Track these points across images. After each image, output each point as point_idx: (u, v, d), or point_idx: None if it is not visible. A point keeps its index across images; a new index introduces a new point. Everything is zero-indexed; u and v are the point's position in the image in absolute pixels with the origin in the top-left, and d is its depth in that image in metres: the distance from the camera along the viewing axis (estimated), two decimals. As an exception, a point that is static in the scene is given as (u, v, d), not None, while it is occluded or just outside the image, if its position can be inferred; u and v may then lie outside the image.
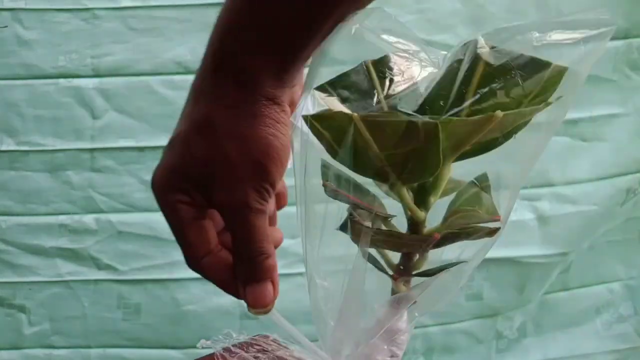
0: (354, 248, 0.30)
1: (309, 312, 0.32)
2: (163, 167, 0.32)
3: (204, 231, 0.33)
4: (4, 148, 0.75)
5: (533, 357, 0.79)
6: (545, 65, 0.25)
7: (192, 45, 0.74)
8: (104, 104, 0.75)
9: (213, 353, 0.31)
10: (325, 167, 0.28)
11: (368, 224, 0.28)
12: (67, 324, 0.76)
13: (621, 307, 0.80)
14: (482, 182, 0.29)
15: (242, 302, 0.32)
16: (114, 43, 0.74)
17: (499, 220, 0.28)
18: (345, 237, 0.30)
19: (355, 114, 0.25)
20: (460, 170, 0.28)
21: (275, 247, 0.34)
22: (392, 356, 0.30)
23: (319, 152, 0.28)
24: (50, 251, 0.76)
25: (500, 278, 0.75)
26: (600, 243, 0.79)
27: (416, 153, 0.26)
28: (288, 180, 0.33)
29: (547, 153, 0.79)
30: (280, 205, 0.36)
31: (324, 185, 0.28)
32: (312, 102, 0.27)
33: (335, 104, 0.27)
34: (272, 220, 0.35)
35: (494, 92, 0.25)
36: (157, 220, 0.75)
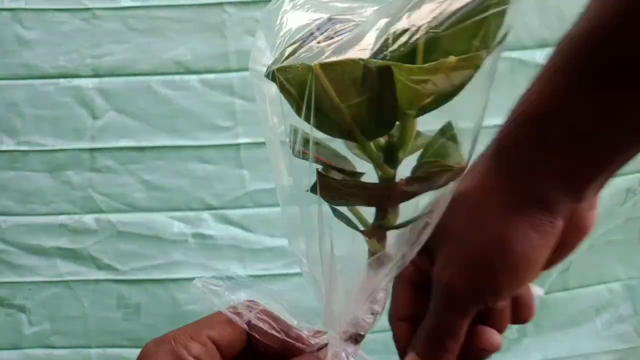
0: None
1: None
2: None
3: (409, 296, 0.32)
4: (3, 148, 0.75)
5: (533, 357, 0.79)
6: (485, 6, 0.24)
7: (192, 45, 0.74)
8: (104, 104, 0.75)
9: (218, 312, 0.31)
10: (294, 132, 0.28)
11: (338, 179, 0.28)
12: (67, 324, 0.76)
13: (621, 307, 0.80)
14: (447, 132, 0.29)
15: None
16: (114, 43, 0.74)
17: (464, 168, 0.27)
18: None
19: (315, 63, 0.25)
20: (428, 127, 0.29)
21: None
22: (372, 313, 0.31)
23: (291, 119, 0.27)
24: (50, 251, 0.76)
25: (500, 278, 0.75)
26: (600, 243, 0.78)
27: (375, 102, 0.25)
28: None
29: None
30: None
31: (291, 147, 0.28)
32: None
33: None
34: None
35: (441, 42, 0.25)
36: (157, 220, 0.75)
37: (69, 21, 0.74)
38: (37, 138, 0.75)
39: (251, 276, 0.78)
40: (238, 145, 0.75)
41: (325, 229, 0.28)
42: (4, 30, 0.74)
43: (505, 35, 0.25)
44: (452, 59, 0.24)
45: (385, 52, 0.25)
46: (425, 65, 0.24)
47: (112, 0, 0.74)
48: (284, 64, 0.26)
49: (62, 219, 0.76)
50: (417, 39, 0.24)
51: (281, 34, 0.28)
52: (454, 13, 0.24)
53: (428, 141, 0.29)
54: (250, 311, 0.30)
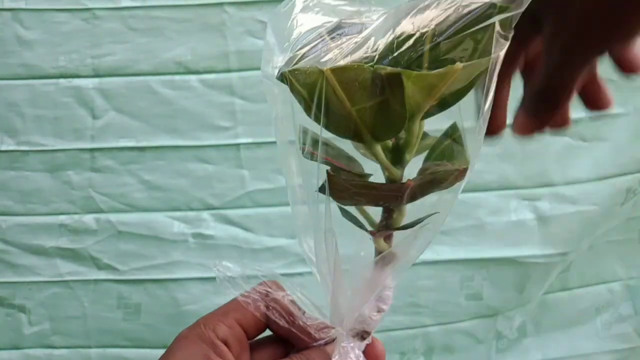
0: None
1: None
2: None
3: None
4: (4, 148, 0.75)
5: (533, 357, 0.79)
6: (488, 14, 0.25)
7: (192, 45, 0.74)
8: (104, 104, 0.75)
9: (235, 299, 0.33)
10: (304, 132, 0.29)
11: (347, 179, 0.29)
12: (67, 324, 0.77)
13: (621, 307, 0.80)
14: (453, 133, 0.29)
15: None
16: (114, 43, 0.74)
17: (466, 169, 0.28)
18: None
19: (326, 68, 0.26)
20: (435, 127, 0.30)
21: None
22: (378, 311, 0.32)
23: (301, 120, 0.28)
24: (50, 251, 0.76)
25: (500, 278, 0.76)
26: (600, 243, 0.79)
27: (384, 106, 0.26)
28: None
29: (547, 153, 0.79)
30: None
31: (302, 149, 0.29)
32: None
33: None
34: None
35: (449, 48, 0.26)
36: (157, 220, 0.76)
37: (69, 21, 0.74)
38: (37, 138, 0.75)
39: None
40: (238, 145, 0.75)
41: (332, 228, 0.29)
42: (4, 30, 0.74)
43: (509, 37, 0.26)
44: (458, 65, 0.25)
45: (390, 57, 0.26)
46: (433, 72, 0.25)
47: (112, 0, 0.74)
48: (295, 66, 0.27)
49: (62, 218, 0.76)
50: (422, 47, 0.26)
51: (292, 36, 0.28)
52: (457, 20, 0.25)
53: (434, 142, 0.30)
54: (264, 299, 0.32)
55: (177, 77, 0.75)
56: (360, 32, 0.27)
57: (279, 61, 0.28)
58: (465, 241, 0.75)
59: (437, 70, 0.25)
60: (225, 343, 0.31)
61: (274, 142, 0.32)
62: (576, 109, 0.80)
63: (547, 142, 0.74)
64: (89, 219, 0.76)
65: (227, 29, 0.74)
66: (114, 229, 0.76)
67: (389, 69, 0.25)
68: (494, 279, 0.76)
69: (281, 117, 0.30)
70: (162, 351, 0.34)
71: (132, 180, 0.75)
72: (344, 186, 0.28)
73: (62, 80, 0.75)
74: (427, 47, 0.25)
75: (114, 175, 0.75)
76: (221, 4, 0.74)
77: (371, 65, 0.26)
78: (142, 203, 0.75)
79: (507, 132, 0.73)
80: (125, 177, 0.75)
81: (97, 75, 0.75)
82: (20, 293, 0.76)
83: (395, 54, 0.26)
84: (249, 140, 0.75)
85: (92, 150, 0.75)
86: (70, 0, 0.74)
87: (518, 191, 0.75)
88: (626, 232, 0.79)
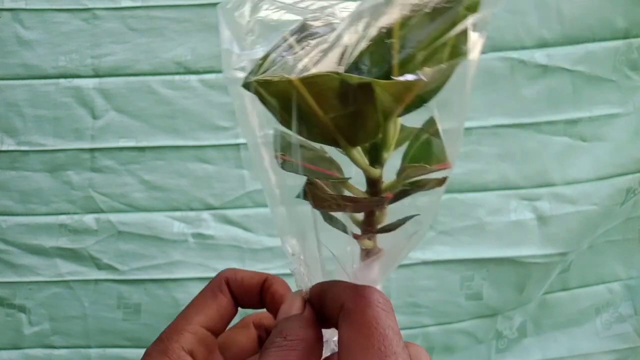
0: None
1: None
2: None
3: None
4: (4, 148, 0.75)
5: (533, 357, 0.79)
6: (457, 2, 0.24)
7: (192, 45, 0.74)
8: (104, 104, 0.75)
9: None
10: (275, 136, 0.28)
11: (327, 189, 0.29)
12: (67, 323, 0.77)
13: (621, 307, 0.80)
14: (430, 127, 0.29)
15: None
16: (114, 43, 0.74)
17: (448, 167, 0.28)
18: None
19: (294, 77, 0.25)
20: (411, 117, 0.29)
21: None
22: None
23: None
24: (50, 251, 0.76)
25: (500, 278, 0.76)
26: (600, 243, 0.79)
27: (358, 114, 0.26)
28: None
29: (547, 153, 0.79)
30: None
31: (275, 157, 0.28)
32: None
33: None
34: None
35: (413, 50, 0.25)
36: (157, 220, 0.75)
37: (69, 21, 0.74)
38: (37, 138, 0.75)
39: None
40: (238, 145, 0.75)
41: (317, 230, 0.29)
42: (4, 30, 0.74)
43: (483, 36, 0.25)
44: (427, 71, 0.24)
45: (361, 64, 0.25)
46: (402, 80, 0.25)
47: (112, 0, 0.74)
48: (263, 76, 0.26)
49: (62, 219, 0.76)
50: (391, 54, 0.25)
51: (251, 37, 0.28)
52: (427, 25, 0.24)
53: (412, 137, 0.29)
54: None
55: (177, 77, 0.75)
56: (326, 34, 0.26)
57: (239, 62, 0.27)
58: (465, 241, 0.75)
59: (403, 80, 0.25)
60: (192, 353, 0.30)
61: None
62: (576, 109, 0.80)
63: (547, 142, 0.74)
64: (89, 219, 0.76)
65: (227, 29, 0.74)
66: (114, 229, 0.76)
67: (358, 77, 0.25)
68: (494, 279, 0.76)
69: (250, 118, 0.29)
70: (162, 351, 0.34)
71: (132, 180, 0.75)
72: (324, 198, 0.28)
73: (62, 80, 0.75)
74: (399, 55, 0.25)
75: (114, 175, 0.75)
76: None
77: (338, 73, 0.25)
78: (142, 203, 0.75)
79: (507, 133, 0.73)
80: (125, 177, 0.75)
81: (97, 75, 0.75)
82: (20, 293, 0.76)
83: (366, 61, 0.25)
84: (249, 140, 0.75)
85: (92, 150, 0.75)
86: (70, 0, 0.74)
87: (518, 191, 0.75)
88: (626, 232, 0.79)
